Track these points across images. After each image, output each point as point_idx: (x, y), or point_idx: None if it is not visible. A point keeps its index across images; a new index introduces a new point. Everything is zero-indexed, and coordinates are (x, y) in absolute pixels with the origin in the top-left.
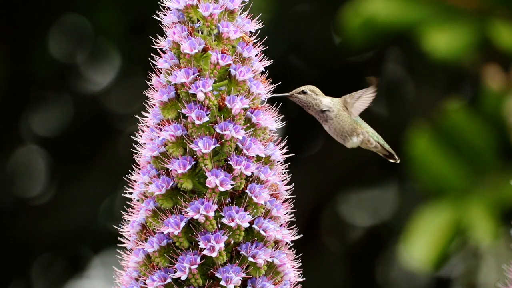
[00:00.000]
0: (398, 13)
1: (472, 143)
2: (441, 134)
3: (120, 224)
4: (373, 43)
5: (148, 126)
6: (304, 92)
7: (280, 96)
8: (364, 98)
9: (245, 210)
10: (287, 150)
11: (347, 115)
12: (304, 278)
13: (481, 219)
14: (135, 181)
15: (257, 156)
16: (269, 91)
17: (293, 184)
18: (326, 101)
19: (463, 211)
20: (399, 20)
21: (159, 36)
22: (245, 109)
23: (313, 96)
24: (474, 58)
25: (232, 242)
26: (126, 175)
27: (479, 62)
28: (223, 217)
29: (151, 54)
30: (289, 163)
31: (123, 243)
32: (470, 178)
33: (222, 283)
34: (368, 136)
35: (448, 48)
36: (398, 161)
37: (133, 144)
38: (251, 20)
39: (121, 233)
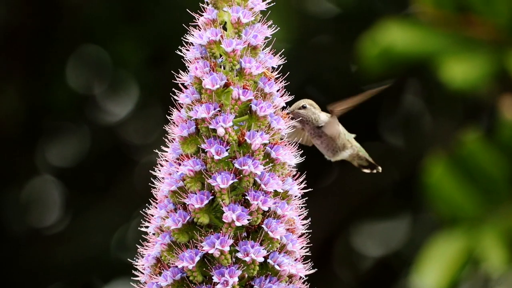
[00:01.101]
0: (416, 43)
1: (487, 172)
2: (457, 163)
3: (134, 257)
4: (391, 72)
5: (167, 161)
6: (304, 107)
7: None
8: (348, 104)
9: (261, 244)
10: (305, 185)
11: (341, 130)
12: None
13: (494, 248)
14: (152, 215)
15: (275, 191)
16: (289, 126)
17: (309, 219)
18: (323, 117)
19: (476, 240)
20: (417, 50)
21: (180, 71)
22: (265, 144)
23: (312, 110)
24: (491, 88)
25: (246, 276)
26: (142, 209)
27: (496, 93)
28: (238, 251)
29: (171, 89)
30: (306, 198)
31: (136, 275)
32: (484, 208)
33: None
34: (357, 151)
35: (465, 79)
36: (380, 170)
37: (149, 176)
38: (274, 55)
39: (135, 266)
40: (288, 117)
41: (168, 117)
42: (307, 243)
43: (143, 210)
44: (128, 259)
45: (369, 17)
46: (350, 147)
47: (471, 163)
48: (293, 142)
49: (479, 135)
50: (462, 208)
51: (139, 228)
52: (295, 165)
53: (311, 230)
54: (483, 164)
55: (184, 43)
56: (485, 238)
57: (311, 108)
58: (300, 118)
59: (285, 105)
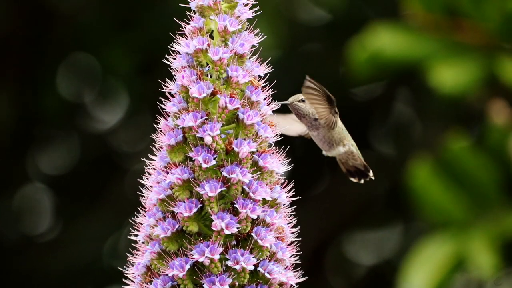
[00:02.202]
0: (405, 47)
1: (475, 176)
2: (443, 166)
3: (124, 265)
4: (379, 77)
5: (155, 169)
6: (303, 101)
7: (281, 104)
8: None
9: (251, 253)
10: (294, 193)
11: (339, 124)
12: None
13: (483, 252)
14: (141, 224)
15: (263, 199)
16: (277, 135)
17: (299, 227)
18: None
19: (464, 243)
20: (406, 54)
21: (167, 80)
22: (252, 153)
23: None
24: (480, 93)
25: (236, 285)
26: (132, 217)
27: (485, 98)
28: (228, 259)
29: (159, 97)
30: (295, 206)
31: (127, 284)
32: (473, 211)
33: None
34: (352, 148)
35: (454, 83)
36: (372, 175)
37: (139, 186)
38: (261, 64)
39: (125, 274)
40: (275, 125)
41: (156, 125)
42: (298, 251)
43: (132, 218)
44: (119, 267)
45: (359, 24)
46: (346, 143)
47: (458, 167)
48: (281, 150)
49: (465, 139)
50: (450, 212)
51: (128, 237)
52: (285, 173)
53: (301, 239)
54: (471, 167)
55: (171, 51)
56: (473, 242)
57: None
58: (297, 111)
59: (271, 113)
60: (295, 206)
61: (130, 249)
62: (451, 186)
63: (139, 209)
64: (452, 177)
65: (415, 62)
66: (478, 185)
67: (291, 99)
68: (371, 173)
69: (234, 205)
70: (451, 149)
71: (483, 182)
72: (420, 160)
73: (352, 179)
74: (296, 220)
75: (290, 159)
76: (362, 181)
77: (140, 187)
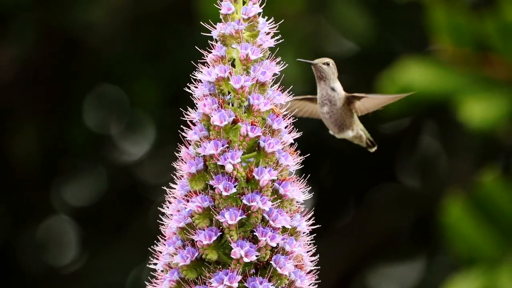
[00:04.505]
0: (434, 82)
1: (505, 213)
2: (475, 203)
3: None
4: (409, 112)
5: (175, 198)
6: (327, 64)
7: (305, 62)
8: (372, 100)
9: (269, 281)
10: (314, 221)
11: (349, 108)
12: None
13: None
14: (160, 252)
15: (283, 227)
16: (298, 163)
17: (318, 256)
18: (338, 85)
19: (494, 280)
20: (435, 89)
21: (189, 108)
22: (273, 181)
23: (333, 70)
24: (509, 128)
25: None
26: (151, 246)
27: None
28: (247, 287)
29: (181, 126)
30: (316, 234)
31: None
32: (502, 248)
33: None
34: (361, 133)
35: (483, 118)
36: (376, 150)
37: (160, 215)
38: (282, 92)
39: None
40: (296, 153)
41: (177, 154)
42: (316, 280)
43: (152, 247)
44: None
45: (388, 57)
46: (355, 128)
47: (489, 204)
48: (306, 179)
49: (497, 175)
50: (480, 248)
51: (147, 265)
52: (310, 203)
53: (325, 270)
54: (502, 204)
55: (193, 80)
56: (502, 278)
57: (332, 68)
58: (320, 73)
59: (293, 142)
60: (318, 237)
61: (149, 278)
62: (482, 223)
63: (159, 237)
64: (483, 214)
65: (444, 97)
66: (509, 221)
67: (316, 60)
68: (374, 148)
69: (254, 233)
70: (484, 185)
71: None
72: (453, 196)
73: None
74: (317, 250)
75: (315, 191)
76: (371, 150)
77: (161, 216)
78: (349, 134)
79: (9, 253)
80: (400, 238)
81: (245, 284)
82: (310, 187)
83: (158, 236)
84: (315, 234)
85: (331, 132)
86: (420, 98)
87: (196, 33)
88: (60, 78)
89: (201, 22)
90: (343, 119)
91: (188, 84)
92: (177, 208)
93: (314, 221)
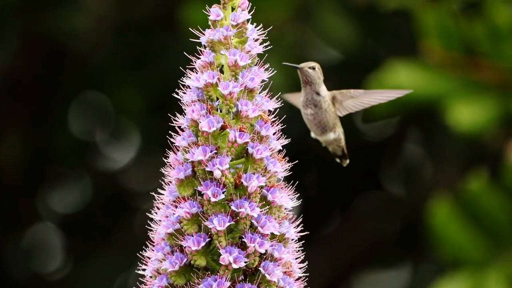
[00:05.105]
0: (423, 85)
1: (492, 216)
2: (462, 206)
3: None
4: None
5: (163, 203)
6: (313, 68)
7: (291, 66)
8: (359, 100)
9: (258, 287)
10: (302, 228)
11: (334, 110)
12: None
13: None
14: (149, 258)
15: (272, 233)
16: (286, 170)
17: (306, 262)
18: (324, 89)
19: (480, 283)
20: (424, 92)
21: (178, 114)
22: (261, 187)
23: (318, 74)
24: (497, 132)
25: None
26: (140, 252)
27: (501, 137)
28: None
29: (170, 132)
30: (303, 241)
31: None
32: (489, 251)
33: None
34: (341, 136)
35: (471, 122)
36: (347, 163)
37: (148, 221)
38: (270, 98)
39: None
40: (285, 160)
41: (165, 159)
42: (305, 286)
43: (140, 253)
44: None
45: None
46: (337, 130)
47: (476, 207)
48: (292, 186)
49: (484, 179)
50: (467, 251)
51: (136, 271)
52: (296, 211)
53: (311, 278)
54: (489, 208)
55: (181, 86)
56: (489, 281)
57: (318, 72)
58: (306, 77)
59: (281, 148)
60: (305, 244)
61: (138, 284)
62: (469, 226)
63: (148, 243)
64: (470, 217)
65: (432, 100)
66: (495, 225)
67: (302, 64)
68: (346, 162)
69: (242, 239)
70: (470, 189)
71: (500, 221)
72: (440, 198)
73: (337, 160)
74: (304, 257)
75: (302, 198)
76: (343, 163)
77: (149, 222)
78: (330, 137)
79: None
80: (386, 245)
81: None
82: (298, 194)
83: (146, 242)
84: (303, 241)
85: (312, 134)
86: (408, 100)
87: (180, 40)
88: (45, 86)
89: (189, 28)
90: (327, 121)
91: (175, 90)
92: (166, 214)
93: (303, 228)
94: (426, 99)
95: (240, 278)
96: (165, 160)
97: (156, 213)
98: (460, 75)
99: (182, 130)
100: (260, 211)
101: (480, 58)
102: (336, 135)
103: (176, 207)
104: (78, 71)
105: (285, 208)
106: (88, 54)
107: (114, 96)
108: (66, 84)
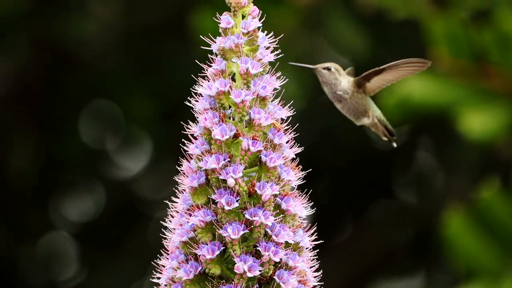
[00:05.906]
0: (433, 94)
1: (505, 226)
2: (475, 216)
3: None
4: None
5: (177, 212)
6: (328, 69)
7: (304, 67)
8: (384, 76)
9: None
10: (316, 237)
11: (361, 96)
12: None
13: None
14: (163, 266)
15: (286, 242)
16: (299, 178)
17: (321, 271)
18: (344, 84)
19: None
20: (434, 100)
21: (190, 122)
22: (275, 196)
23: (335, 75)
24: (508, 140)
25: None
26: (154, 260)
27: None
28: None
29: (182, 140)
30: (318, 250)
31: None
32: (504, 261)
33: None
34: (376, 120)
35: (483, 130)
36: (395, 144)
37: (162, 229)
38: (283, 107)
39: None
40: (298, 168)
41: (178, 168)
42: None
43: (155, 261)
44: None
45: None
46: (370, 115)
47: (489, 216)
48: (304, 194)
49: (496, 188)
50: (481, 261)
51: (150, 279)
52: (309, 219)
53: (323, 283)
54: (502, 217)
55: (193, 94)
56: None
57: (335, 73)
58: (321, 77)
59: (294, 157)
60: (318, 253)
61: None
62: (482, 236)
63: (162, 251)
64: (483, 227)
65: (443, 108)
66: (509, 234)
67: (317, 65)
68: (394, 139)
69: (257, 248)
70: (483, 198)
71: None
72: (453, 209)
73: (384, 138)
74: (318, 265)
75: (315, 207)
76: (392, 142)
77: (163, 230)
78: (365, 122)
79: (9, 269)
80: (398, 254)
81: None
82: (311, 203)
83: (160, 251)
84: (318, 250)
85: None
86: (418, 109)
87: (190, 48)
88: (54, 93)
89: (200, 36)
90: (356, 108)
91: (187, 98)
92: (180, 222)
93: (317, 237)
94: (437, 107)
95: (255, 287)
96: (177, 168)
97: (170, 221)
98: (469, 83)
99: (195, 138)
100: (274, 220)
101: (489, 66)
102: (370, 120)
103: (190, 215)
104: (87, 78)
105: (299, 217)
106: (97, 62)
107: (124, 104)
108: (76, 92)
